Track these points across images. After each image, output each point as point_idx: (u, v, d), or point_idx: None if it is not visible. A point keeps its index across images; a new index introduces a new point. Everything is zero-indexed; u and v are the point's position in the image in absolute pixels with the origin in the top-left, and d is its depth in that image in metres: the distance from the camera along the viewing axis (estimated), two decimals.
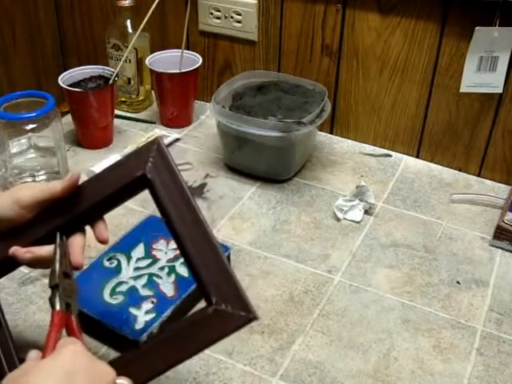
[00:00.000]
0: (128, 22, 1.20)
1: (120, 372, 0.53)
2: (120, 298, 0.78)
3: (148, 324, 0.75)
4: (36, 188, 0.64)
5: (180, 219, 0.61)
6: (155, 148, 0.63)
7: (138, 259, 0.84)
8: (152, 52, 1.22)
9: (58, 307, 0.57)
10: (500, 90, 1.03)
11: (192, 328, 0.58)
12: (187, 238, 0.60)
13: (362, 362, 0.76)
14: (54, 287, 0.58)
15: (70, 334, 0.57)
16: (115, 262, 0.83)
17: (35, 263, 0.63)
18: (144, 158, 0.63)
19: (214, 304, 0.57)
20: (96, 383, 0.50)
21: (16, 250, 0.62)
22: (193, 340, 0.57)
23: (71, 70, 1.14)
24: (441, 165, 1.15)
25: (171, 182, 0.62)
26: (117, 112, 1.22)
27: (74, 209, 0.64)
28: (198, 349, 0.57)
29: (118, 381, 0.53)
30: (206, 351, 0.74)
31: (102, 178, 0.65)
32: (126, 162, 0.65)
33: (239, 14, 1.19)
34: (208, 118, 1.26)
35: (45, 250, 0.62)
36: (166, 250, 0.85)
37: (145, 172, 0.63)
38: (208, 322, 0.57)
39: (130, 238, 0.87)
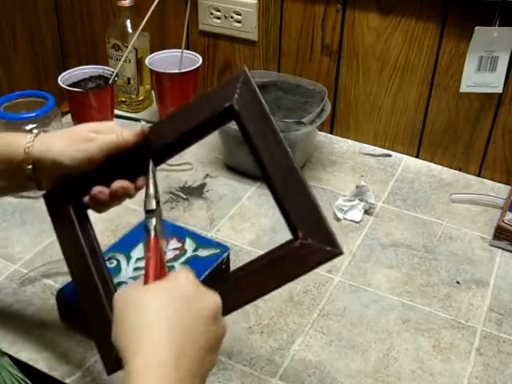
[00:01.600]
0: (128, 22, 1.20)
1: None
2: None
3: None
4: (101, 141, 0.64)
5: (267, 153, 0.61)
6: (242, 79, 0.64)
7: (138, 259, 0.83)
8: (152, 52, 1.22)
9: (152, 234, 0.59)
10: (500, 90, 1.03)
11: (278, 261, 0.59)
12: (274, 172, 0.60)
13: (361, 362, 0.76)
14: (150, 211, 0.60)
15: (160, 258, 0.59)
16: (115, 262, 0.83)
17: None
18: (231, 88, 0.63)
19: (300, 238, 0.58)
20: (205, 310, 0.52)
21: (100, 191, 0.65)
22: (279, 272, 0.58)
23: (71, 69, 1.14)
24: (441, 165, 1.15)
25: (258, 114, 0.62)
26: (117, 112, 1.22)
27: (158, 142, 0.66)
28: (282, 281, 0.58)
29: None
30: None
31: (189, 108, 0.66)
32: (213, 93, 0.65)
33: (239, 14, 1.19)
34: None
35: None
36: (165, 249, 0.85)
37: (232, 103, 0.63)
38: (294, 256, 0.58)
39: (130, 237, 0.87)
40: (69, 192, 0.67)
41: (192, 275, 0.55)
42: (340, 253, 0.57)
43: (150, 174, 0.63)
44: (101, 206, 0.66)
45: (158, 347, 0.48)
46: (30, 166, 0.64)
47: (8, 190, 0.73)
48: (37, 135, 0.65)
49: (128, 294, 0.54)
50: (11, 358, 0.73)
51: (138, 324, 0.50)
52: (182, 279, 0.54)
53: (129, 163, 0.65)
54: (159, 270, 0.56)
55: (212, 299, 0.54)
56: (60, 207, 0.68)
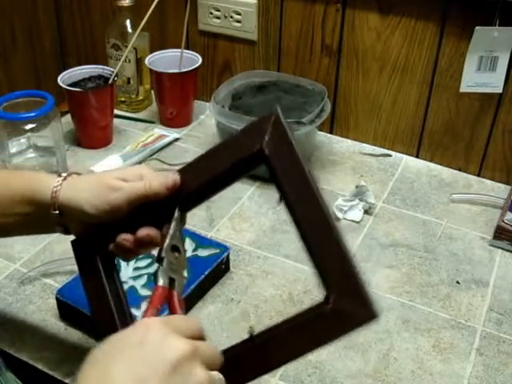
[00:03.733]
0: (127, 22, 1.20)
1: (231, 364, 0.52)
2: None
3: None
4: (128, 191, 0.61)
5: (298, 201, 0.56)
6: (272, 121, 0.59)
7: (138, 259, 0.83)
8: (152, 52, 1.22)
9: (159, 283, 0.56)
10: (500, 90, 1.03)
11: (308, 325, 0.54)
12: (305, 223, 0.55)
13: (361, 362, 0.76)
14: (158, 261, 0.57)
15: (171, 310, 0.56)
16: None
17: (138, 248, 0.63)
18: (261, 131, 0.59)
19: (331, 302, 0.53)
20: (162, 356, 0.47)
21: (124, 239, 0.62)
22: (308, 338, 0.53)
23: (71, 69, 1.14)
24: (441, 164, 1.15)
25: (289, 158, 0.57)
26: (116, 112, 1.22)
27: (185, 189, 0.62)
28: (311, 347, 0.53)
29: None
30: None
31: (217, 153, 0.62)
32: (241, 135, 0.61)
33: (239, 14, 1.18)
34: (207, 117, 1.25)
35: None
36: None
37: (262, 147, 0.58)
38: (325, 321, 0.53)
39: None
40: (95, 241, 0.65)
41: (156, 323, 0.50)
42: (376, 317, 0.51)
43: (173, 222, 0.60)
44: (126, 253, 0.64)
45: None
46: (56, 212, 0.62)
47: (35, 232, 0.71)
48: (65, 178, 0.63)
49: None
50: (11, 357, 0.73)
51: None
52: (141, 327, 0.49)
53: (155, 210, 0.62)
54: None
55: (175, 347, 0.48)
56: (87, 256, 0.66)
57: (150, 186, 0.61)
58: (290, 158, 0.58)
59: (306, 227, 0.55)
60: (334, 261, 0.54)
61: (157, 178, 0.62)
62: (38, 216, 0.63)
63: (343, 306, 0.52)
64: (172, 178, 0.62)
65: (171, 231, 0.59)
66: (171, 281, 0.57)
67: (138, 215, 0.62)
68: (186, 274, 0.59)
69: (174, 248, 0.59)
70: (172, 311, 0.56)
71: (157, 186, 0.61)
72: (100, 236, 0.64)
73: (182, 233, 0.62)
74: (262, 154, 0.58)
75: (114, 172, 0.64)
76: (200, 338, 0.52)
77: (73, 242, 0.68)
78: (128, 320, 0.65)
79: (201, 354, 0.49)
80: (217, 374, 0.50)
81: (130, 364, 0.46)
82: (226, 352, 0.54)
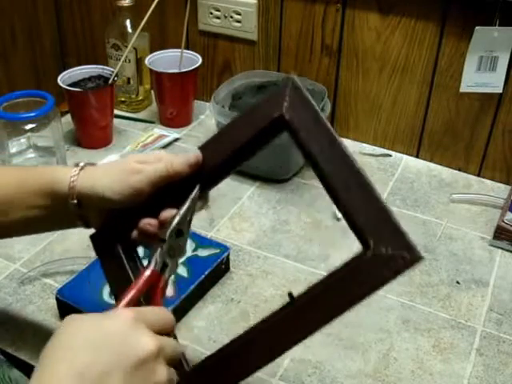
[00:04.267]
0: (127, 22, 1.20)
1: (273, 329, 0.53)
2: None
3: None
4: (150, 173, 0.60)
5: (326, 159, 0.55)
6: (290, 86, 0.59)
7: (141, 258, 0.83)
8: (152, 52, 1.22)
9: (151, 265, 0.55)
10: (500, 90, 1.03)
11: (349, 277, 0.52)
12: (336, 178, 0.54)
13: (361, 362, 0.76)
14: (160, 241, 0.57)
15: (152, 297, 0.56)
16: None
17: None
18: (279, 98, 0.59)
19: (372, 248, 0.51)
20: (129, 351, 0.48)
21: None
22: (351, 290, 0.51)
23: (71, 69, 1.14)
24: (441, 164, 1.15)
25: (312, 121, 0.57)
26: (116, 112, 1.22)
27: (206, 165, 0.61)
28: (355, 300, 0.51)
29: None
30: (203, 350, 0.74)
31: (237, 126, 0.62)
32: (260, 105, 0.61)
33: (239, 14, 1.18)
34: (207, 117, 1.25)
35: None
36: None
37: (282, 113, 0.58)
38: (367, 269, 0.51)
39: None
40: (116, 229, 0.64)
41: (134, 316, 0.50)
42: (419, 257, 0.49)
43: (184, 206, 0.59)
44: (150, 239, 0.61)
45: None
46: (75, 201, 0.61)
47: (57, 226, 0.70)
48: (82, 168, 0.63)
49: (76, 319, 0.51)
50: (12, 357, 0.73)
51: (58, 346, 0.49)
52: (121, 317, 0.50)
53: (177, 190, 0.61)
54: (134, 303, 0.54)
55: (143, 345, 0.48)
56: (108, 248, 0.65)
57: (172, 165, 0.60)
58: (312, 118, 0.57)
59: (338, 182, 0.54)
60: (368, 208, 0.52)
61: (178, 158, 0.61)
62: (58, 208, 0.63)
63: (384, 250, 0.50)
64: (194, 155, 0.61)
65: (182, 212, 0.58)
66: (164, 266, 0.56)
67: (160, 198, 0.60)
68: (180, 260, 0.58)
69: (179, 233, 0.58)
70: (152, 298, 0.56)
71: (179, 165, 0.60)
72: (121, 223, 0.63)
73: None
74: (283, 120, 0.58)
75: (134, 156, 0.63)
76: (169, 331, 0.53)
77: (92, 236, 0.67)
78: None
79: (165, 352, 0.50)
80: (174, 373, 0.52)
81: (96, 353, 0.47)
82: (263, 321, 0.54)
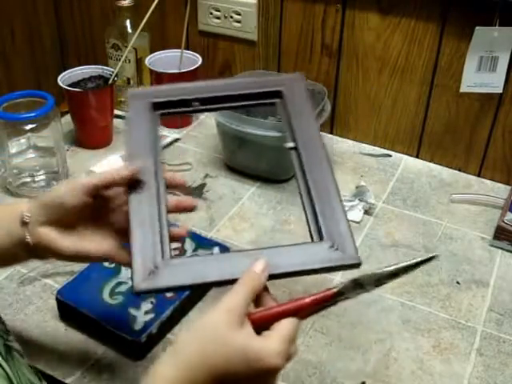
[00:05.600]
0: (127, 22, 1.20)
1: None
2: (119, 299, 0.78)
3: (147, 324, 0.74)
4: (97, 174, 0.64)
5: (304, 147, 0.68)
6: (295, 77, 0.74)
7: None
8: (152, 52, 1.22)
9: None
10: (500, 90, 1.03)
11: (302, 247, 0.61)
12: (308, 169, 0.66)
13: (361, 362, 0.76)
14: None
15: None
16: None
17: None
18: (282, 80, 0.74)
19: (324, 240, 0.60)
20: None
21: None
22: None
23: (71, 69, 1.14)
24: (441, 165, 1.15)
25: (302, 106, 0.70)
26: (116, 112, 1.21)
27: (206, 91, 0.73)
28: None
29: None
30: None
31: (238, 82, 0.77)
32: (263, 80, 0.80)
33: (239, 14, 1.18)
34: (208, 117, 1.25)
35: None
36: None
37: (281, 89, 0.72)
38: (317, 250, 0.60)
39: None
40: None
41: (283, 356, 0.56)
42: (359, 263, 0.60)
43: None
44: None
45: None
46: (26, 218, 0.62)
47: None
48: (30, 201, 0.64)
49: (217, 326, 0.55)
50: None
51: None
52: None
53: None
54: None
55: (279, 362, 0.55)
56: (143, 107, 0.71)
57: (110, 172, 0.63)
58: (302, 107, 0.70)
59: (309, 178, 0.66)
60: (330, 214, 0.63)
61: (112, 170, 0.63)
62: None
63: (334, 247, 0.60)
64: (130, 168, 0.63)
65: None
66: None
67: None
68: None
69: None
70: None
71: (114, 173, 0.63)
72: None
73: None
74: (280, 93, 0.71)
75: None
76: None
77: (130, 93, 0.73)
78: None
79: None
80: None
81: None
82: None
